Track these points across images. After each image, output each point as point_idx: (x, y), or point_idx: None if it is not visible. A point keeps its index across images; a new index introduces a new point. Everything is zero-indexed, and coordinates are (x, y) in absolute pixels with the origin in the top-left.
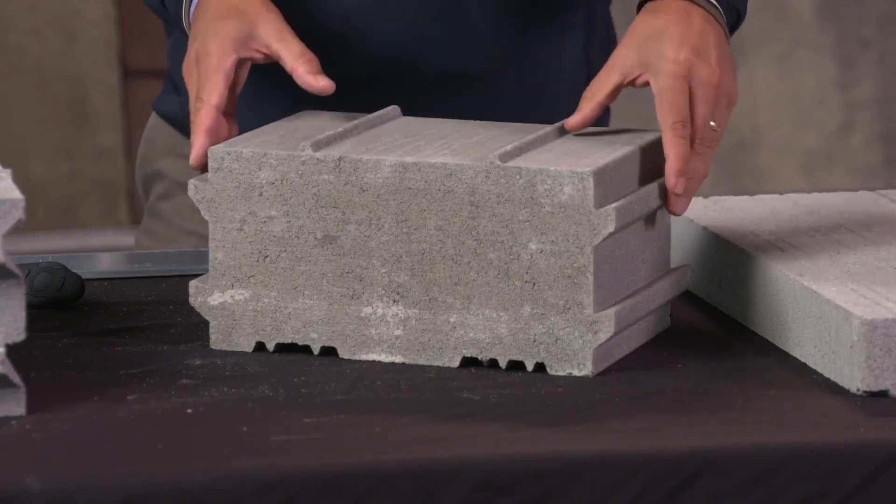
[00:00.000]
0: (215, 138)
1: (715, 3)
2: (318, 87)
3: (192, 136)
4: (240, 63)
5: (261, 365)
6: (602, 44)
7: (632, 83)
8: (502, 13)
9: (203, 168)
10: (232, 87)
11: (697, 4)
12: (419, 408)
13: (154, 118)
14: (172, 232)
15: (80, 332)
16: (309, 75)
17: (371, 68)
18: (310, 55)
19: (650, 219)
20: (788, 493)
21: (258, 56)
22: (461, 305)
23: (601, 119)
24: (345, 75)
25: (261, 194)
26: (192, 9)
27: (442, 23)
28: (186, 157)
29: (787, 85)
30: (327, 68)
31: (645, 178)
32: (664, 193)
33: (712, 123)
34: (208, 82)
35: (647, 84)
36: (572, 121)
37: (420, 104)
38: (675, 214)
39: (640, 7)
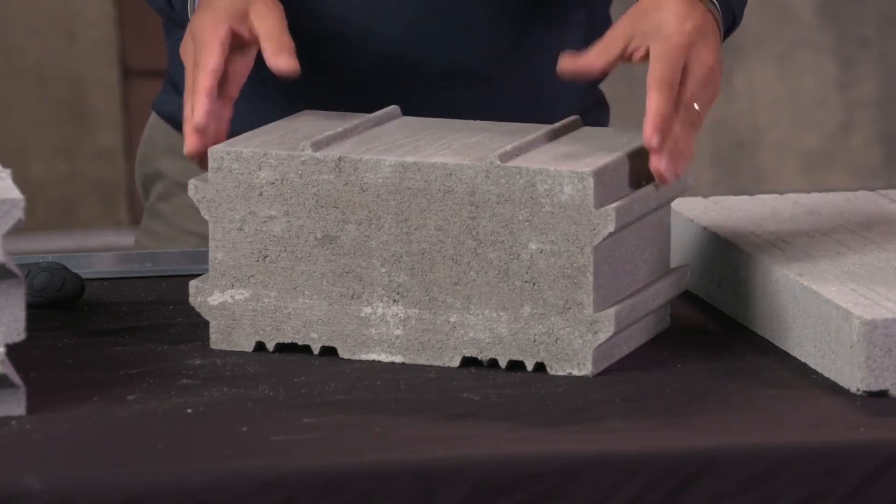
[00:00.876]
0: (215, 104)
1: (714, 2)
2: (276, 65)
3: (194, 99)
4: (238, 47)
5: (261, 365)
6: None
7: (630, 57)
8: (503, 12)
9: (207, 134)
10: (230, 65)
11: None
12: (419, 408)
13: (154, 118)
14: (172, 232)
15: (79, 332)
16: (272, 55)
17: (371, 67)
18: (284, 38)
19: (650, 219)
20: (788, 493)
21: (246, 34)
22: (461, 305)
23: (601, 119)
24: (345, 74)
25: (261, 194)
26: (195, 2)
27: (442, 22)
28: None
29: (787, 85)
30: (328, 67)
31: (645, 179)
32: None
33: (696, 106)
34: (203, 49)
35: (644, 58)
36: (572, 61)
37: (420, 103)
38: (663, 183)
39: None
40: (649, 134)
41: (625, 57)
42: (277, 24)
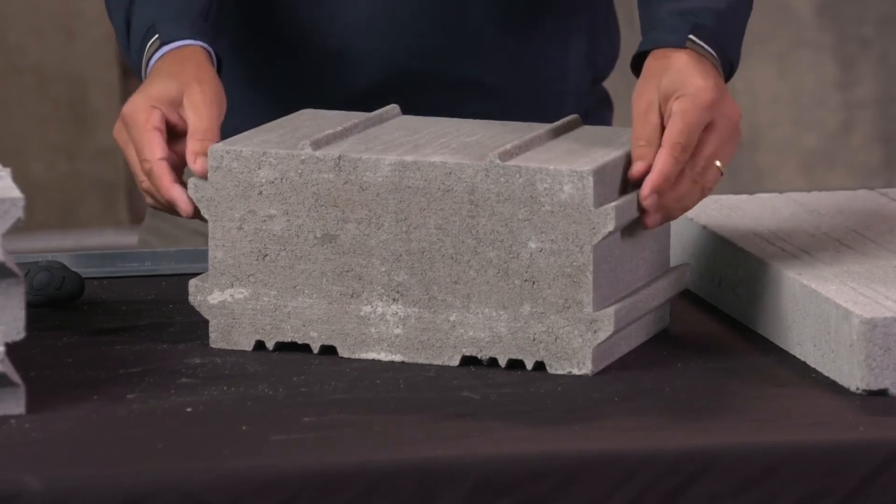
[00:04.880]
0: (181, 184)
1: (715, 55)
2: (193, 167)
3: (165, 194)
4: (174, 135)
5: (260, 364)
6: (606, 48)
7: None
8: (507, 22)
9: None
10: (172, 150)
11: (704, 56)
12: (419, 407)
13: None
14: (179, 232)
15: (79, 331)
16: (190, 153)
17: (378, 80)
18: (210, 135)
19: None
20: (788, 492)
21: (179, 122)
22: (461, 304)
23: (605, 117)
24: (353, 88)
25: (260, 193)
26: (147, 70)
27: (447, 34)
28: None
29: (787, 84)
30: (336, 81)
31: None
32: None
33: (718, 163)
34: (144, 141)
35: None
36: (636, 170)
37: (427, 113)
38: (644, 226)
39: (636, 58)
40: (646, 193)
41: (664, 123)
42: (207, 118)
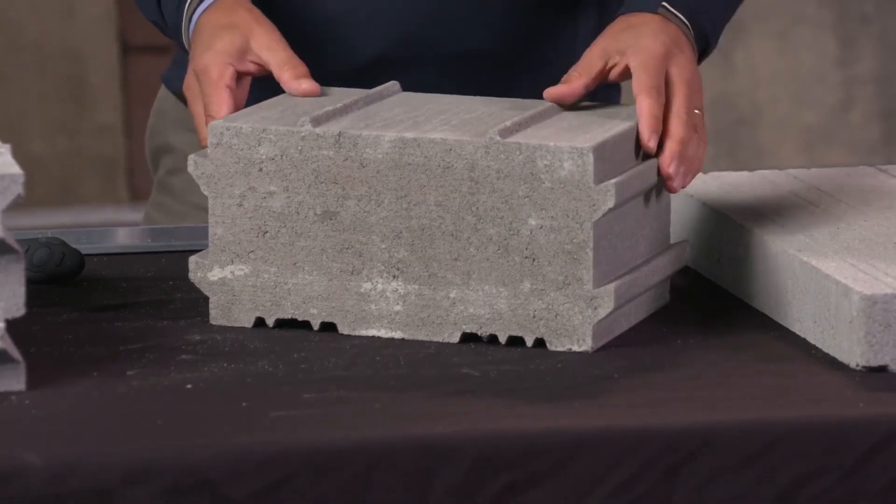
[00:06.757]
0: None
1: (688, 24)
2: (300, 90)
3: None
4: (238, 78)
5: (260, 340)
6: None
7: (608, 72)
8: None
9: None
10: (235, 101)
11: (672, 22)
12: (418, 383)
13: (164, 91)
14: (184, 207)
15: (79, 308)
16: (293, 80)
17: (386, 50)
18: (296, 62)
19: (650, 194)
20: (787, 468)
21: (252, 68)
22: (461, 281)
23: (612, 97)
24: (359, 58)
25: (260, 170)
26: (191, 27)
27: (456, 4)
28: None
29: (787, 62)
30: (343, 50)
31: (645, 154)
32: (662, 178)
33: (696, 111)
34: (214, 97)
35: (622, 74)
36: (555, 90)
37: (434, 85)
38: (671, 192)
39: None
40: (646, 137)
41: (604, 75)
42: (284, 50)
